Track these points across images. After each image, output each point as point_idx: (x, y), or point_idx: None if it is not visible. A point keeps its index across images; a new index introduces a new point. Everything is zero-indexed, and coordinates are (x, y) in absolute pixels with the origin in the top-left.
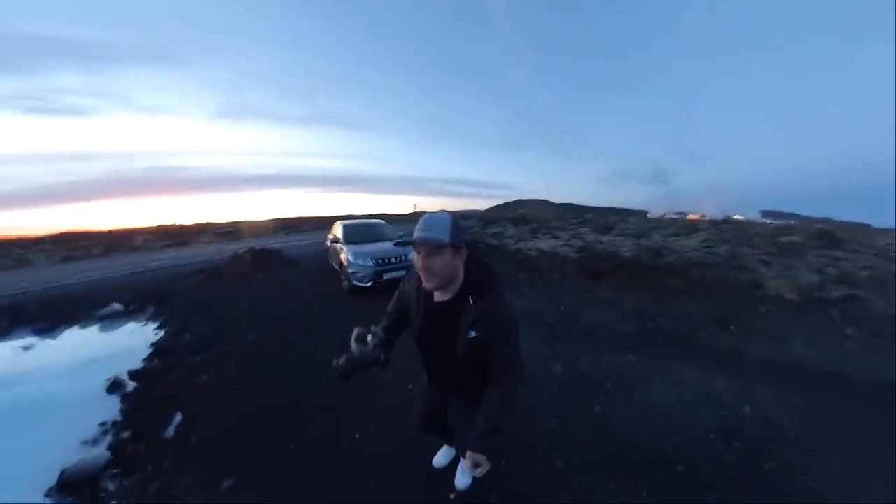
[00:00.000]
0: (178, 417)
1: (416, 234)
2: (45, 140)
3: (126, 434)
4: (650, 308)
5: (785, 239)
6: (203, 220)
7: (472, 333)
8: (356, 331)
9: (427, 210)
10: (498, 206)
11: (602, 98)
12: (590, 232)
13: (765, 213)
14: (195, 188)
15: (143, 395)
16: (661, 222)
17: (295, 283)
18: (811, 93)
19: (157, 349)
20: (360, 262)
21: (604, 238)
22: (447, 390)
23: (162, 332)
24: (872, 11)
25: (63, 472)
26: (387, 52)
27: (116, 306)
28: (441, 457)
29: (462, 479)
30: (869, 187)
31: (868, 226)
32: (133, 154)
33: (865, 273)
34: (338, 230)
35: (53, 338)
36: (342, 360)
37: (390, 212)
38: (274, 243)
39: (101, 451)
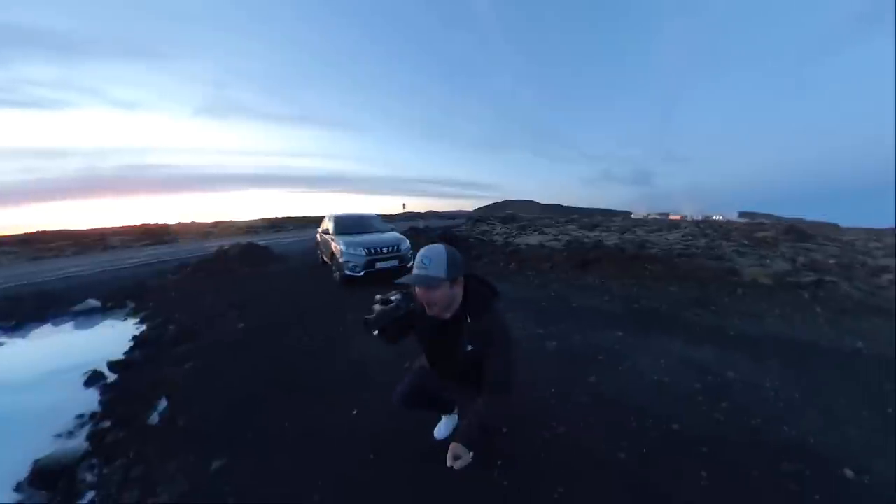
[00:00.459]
0: (163, 403)
1: (415, 271)
2: (10, 134)
3: (106, 424)
4: (635, 292)
5: (759, 234)
6: (186, 220)
7: (470, 347)
8: (378, 296)
9: (414, 210)
10: (485, 206)
11: (586, 100)
12: (576, 229)
13: (742, 214)
14: (176, 187)
15: (124, 385)
16: (644, 222)
17: (284, 278)
18: (785, 99)
19: (139, 341)
20: (351, 251)
21: (590, 234)
22: (448, 379)
23: (143, 327)
24: (841, 25)
25: (35, 463)
26: (374, 51)
27: (92, 302)
28: (442, 428)
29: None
30: (838, 189)
31: (836, 225)
32: (107, 151)
33: (833, 261)
34: (329, 222)
35: (23, 336)
36: (373, 315)
37: (381, 212)
38: (261, 240)
39: (78, 443)
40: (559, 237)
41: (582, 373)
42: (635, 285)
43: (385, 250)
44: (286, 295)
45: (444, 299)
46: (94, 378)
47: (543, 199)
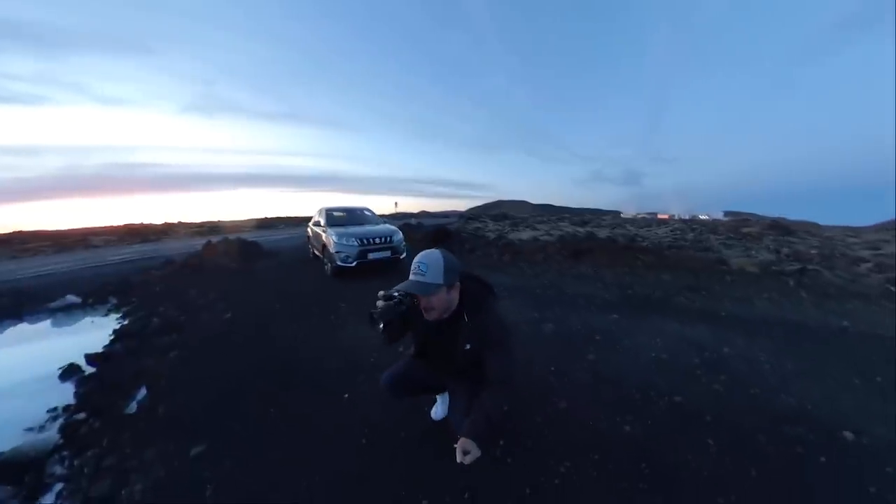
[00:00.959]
0: (141, 392)
1: (412, 277)
2: None
3: (80, 416)
4: (628, 280)
5: (745, 229)
6: (173, 220)
7: (468, 346)
8: (381, 292)
9: (407, 210)
10: (478, 206)
11: (578, 101)
12: (568, 225)
13: (727, 213)
14: (163, 187)
15: (102, 377)
16: (633, 221)
17: (274, 271)
18: (771, 100)
19: (121, 334)
20: (343, 241)
21: (581, 230)
22: (444, 375)
23: (126, 322)
24: (826, 30)
25: None
26: (367, 50)
27: (72, 298)
28: (439, 409)
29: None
30: (819, 190)
31: (816, 223)
32: (90, 149)
33: (814, 251)
34: (321, 215)
35: None
36: (378, 310)
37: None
38: (250, 237)
39: (48, 435)
40: (551, 232)
41: (580, 352)
42: (628, 274)
43: (378, 241)
44: (276, 288)
45: (443, 304)
46: (69, 371)
47: (535, 200)
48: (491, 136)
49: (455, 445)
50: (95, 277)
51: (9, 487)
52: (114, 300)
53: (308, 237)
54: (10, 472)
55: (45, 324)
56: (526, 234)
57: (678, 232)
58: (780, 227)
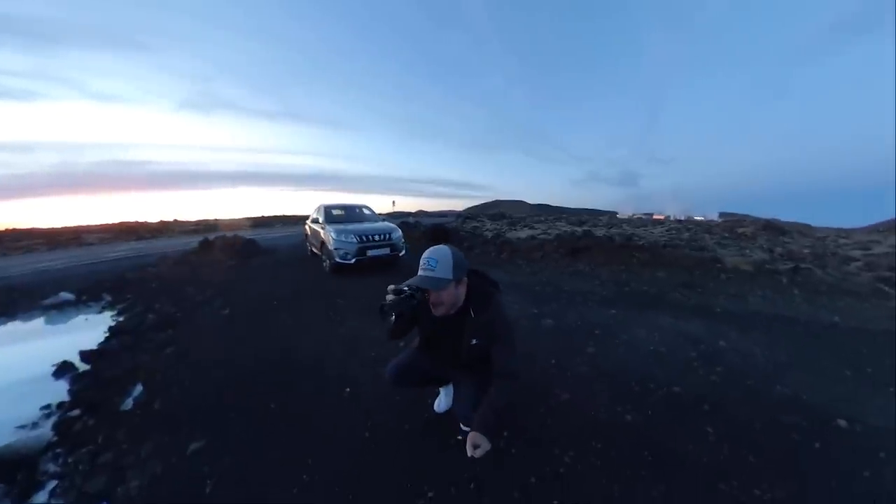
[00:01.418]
0: (138, 388)
1: (421, 272)
2: None
3: (74, 413)
4: (625, 277)
5: (739, 229)
6: (168, 218)
7: (474, 341)
8: (391, 286)
9: (405, 209)
10: (475, 206)
11: (575, 102)
12: (565, 225)
13: (722, 215)
14: (158, 185)
15: (96, 373)
16: (629, 221)
17: (271, 268)
18: (766, 102)
19: (116, 331)
20: (343, 238)
21: (578, 229)
22: (449, 368)
23: (121, 318)
24: (821, 34)
25: None
26: (365, 49)
27: (66, 295)
28: (442, 402)
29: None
30: (812, 192)
31: (809, 225)
32: (84, 145)
33: (807, 251)
34: (320, 212)
35: None
36: (388, 302)
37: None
38: (248, 235)
39: (42, 433)
40: (549, 231)
41: (580, 346)
42: (624, 271)
43: (377, 238)
44: (273, 284)
45: (451, 299)
46: (63, 369)
47: (533, 200)
48: (489, 137)
49: (459, 437)
50: (90, 274)
51: (1, 485)
52: (108, 297)
53: (306, 235)
54: (2, 469)
55: (39, 321)
56: (524, 233)
57: (674, 232)
58: (774, 228)
